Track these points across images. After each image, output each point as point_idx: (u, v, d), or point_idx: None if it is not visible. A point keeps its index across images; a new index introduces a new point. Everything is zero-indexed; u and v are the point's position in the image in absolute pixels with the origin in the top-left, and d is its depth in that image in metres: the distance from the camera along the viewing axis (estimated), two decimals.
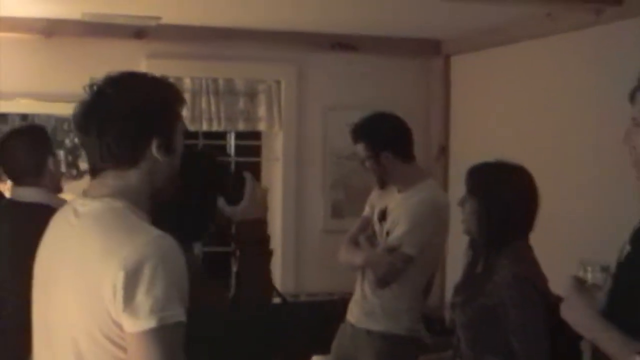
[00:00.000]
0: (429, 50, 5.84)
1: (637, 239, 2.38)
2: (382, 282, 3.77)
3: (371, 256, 3.84)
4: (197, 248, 2.69)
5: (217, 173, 2.38)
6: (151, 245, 1.86)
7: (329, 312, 4.38)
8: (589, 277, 2.47)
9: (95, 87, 2.02)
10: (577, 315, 2.41)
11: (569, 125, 4.64)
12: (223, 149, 5.96)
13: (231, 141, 5.93)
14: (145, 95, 2.03)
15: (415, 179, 3.87)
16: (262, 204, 2.49)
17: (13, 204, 3.55)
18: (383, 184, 3.95)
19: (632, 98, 2.34)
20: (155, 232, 1.90)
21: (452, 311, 3.20)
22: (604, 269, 2.46)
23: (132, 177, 2.01)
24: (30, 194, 3.43)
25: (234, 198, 2.40)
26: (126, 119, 1.98)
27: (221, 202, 2.41)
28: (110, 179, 2.01)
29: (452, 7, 4.52)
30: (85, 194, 2.05)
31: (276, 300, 4.91)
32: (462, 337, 3.12)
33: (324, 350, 4.16)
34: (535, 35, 4.89)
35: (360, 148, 3.87)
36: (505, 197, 3.06)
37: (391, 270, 3.73)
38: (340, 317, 4.09)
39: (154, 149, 2.01)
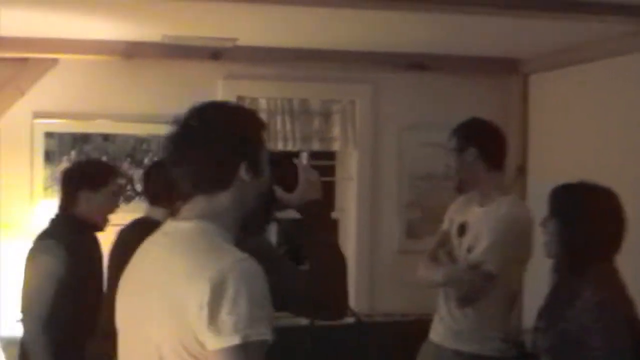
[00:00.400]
0: (506, 69, 5.78)
1: None
2: (464, 301, 3.69)
3: (452, 274, 3.75)
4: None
5: (277, 168, 2.40)
6: (236, 266, 1.90)
7: (404, 333, 4.34)
8: None
9: (181, 119, 2.10)
10: None
11: None
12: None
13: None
14: (230, 122, 2.11)
15: (496, 193, 3.77)
16: (317, 186, 2.50)
17: (147, 221, 3.75)
18: (461, 187, 3.87)
19: None
20: (240, 254, 1.95)
21: (535, 335, 3.13)
22: None
23: (222, 200, 2.08)
24: (165, 215, 3.52)
25: (290, 185, 2.42)
26: (215, 146, 2.06)
27: (278, 190, 2.42)
28: (201, 203, 2.08)
29: (530, 25, 4.47)
30: (175, 218, 2.13)
31: (350, 320, 4.93)
32: None
33: None
34: (615, 53, 4.80)
35: (452, 142, 3.81)
36: (588, 219, 3.00)
37: (473, 289, 3.64)
38: (417, 337, 4.02)
39: (242, 172, 2.07)
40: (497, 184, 3.82)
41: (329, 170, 5.93)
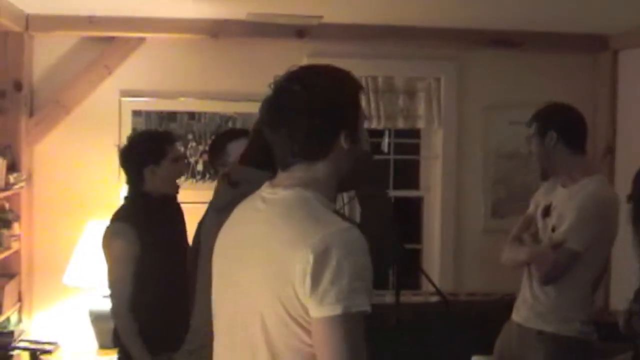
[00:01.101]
0: (596, 46, 5.65)
1: None
2: (547, 279, 3.65)
3: (535, 252, 3.72)
4: None
5: None
6: (339, 235, 1.91)
7: (488, 312, 4.31)
8: None
9: (280, 84, 2.07)
10: None
11: None
12: (378, 147, 5.96)
13: (386, 139, 5.92)
14: (331, 88, 2.06)
15: (582, 174, 3.70)
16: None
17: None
18: (545, 174, 3.81)
19: None
20: (343, 223, 1.96)
21: (631, 318, 3.07)
22: None
23: (321, 168, 2.07)
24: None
25: None
26: (317, 113, 2.03)
27: None
28: (300, 171, 2.07)
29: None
30: (273, 184, 2.12)
31: (436, 298, 4.91)
32: None
33: (484, 350, 4.09)
34: None
35: (532, 129, 3.75)
36: None
37: (556, 267, 3.60)
38: (500, 317, 3.99)
39: (342, 139, 2.06)
40: (582, 167, 3.75)
41: (414, 149, 5.89)
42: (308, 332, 1.92)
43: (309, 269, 1.87)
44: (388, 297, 5.11)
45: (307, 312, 1.90)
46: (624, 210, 3.41)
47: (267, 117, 2.09)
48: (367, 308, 1.89)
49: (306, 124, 2.03)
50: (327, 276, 1.86)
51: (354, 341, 1.88)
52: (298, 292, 1.89)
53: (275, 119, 2.07)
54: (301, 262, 1.88)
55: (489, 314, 4.18)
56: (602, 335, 3.94)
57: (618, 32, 5.50)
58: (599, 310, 4.92)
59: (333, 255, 1.87)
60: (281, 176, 2.11)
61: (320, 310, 1.87)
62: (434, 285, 4.61)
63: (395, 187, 5.81)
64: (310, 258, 1.87)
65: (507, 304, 4.00)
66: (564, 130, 3.69)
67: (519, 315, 3.84)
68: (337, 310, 1.86)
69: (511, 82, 5.67)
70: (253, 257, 2.03)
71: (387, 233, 2.50)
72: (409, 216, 5.85)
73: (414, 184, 5.86)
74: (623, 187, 3.64)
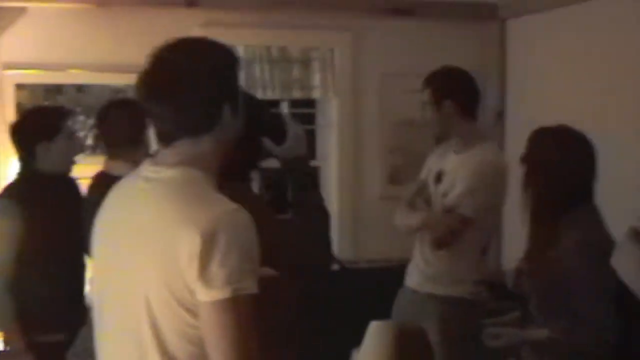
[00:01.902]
0: (484, 15, 5.75)
1: None
2: (439, 243, 3.75)
3: (428, 217, 3.83)
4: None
5: (254, 109, 2.38)
6: (227, 217, 1.87)
7: (387, 279, 4.35)
8: None
9: (159, 55, 1.99)
10: (627, 264, 2.38)
11: (632, 88, 4.53)
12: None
13: (284, 109, 5.90)
14: (212, 59, 2.01)
15: (474, 140, 3.83)
16: (303, 141, 2.51)
17: (106, 176, 3.59)
18: (440, 138, 3.92)
19: None
20: (231, 205, 1.91)
21: (520, 276, 3.16)
22: None
23: (206, 143, 2.00)
24: (124, 168, 3.30)
25: (279, 138, 2.43)
26: (201, 84, 1.96)
27: (267, 142, 2.44)
28: (185, 146, 1.99)
29: None
30: (156, 162, 2.03)
31: (335, 267, 4.93)
32: (531, 302, 3.08)
33: (383, 316, 4.12)
34: None
35: (425, 94, 3.85)
36: (564, 164, 3.02)
37: (448, 232, 3.70)
38: (400, 283, 4.06)
39: (226, 112, 2.00)
40: (474, 131, 3.87)
41: (310, 118, 5.89)
42: (194, 315, 1.87)
43: (196, 251, 1.82)
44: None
45: (193, 295, 1.85)
46: (515, 174, 3.49)
47: (147, 90, 1.99)
48: (255, 291, 1.86)
49: (191, 95, 1.95)
50: (215, 259, 1.82)
51: (243, 324, 1.85)
52: (184, 275, 1.84)
53: (158, 92, 1.97)
54: (188, 244, 1.83)
55: (389, 281, 4.22)
56: (495, 295, 4.04)
57: (506, 2, 5.60)
58: (493, 271, 5.03)
59: (221, 237, 1.83)
60: (164, 153, 2.02)
61: (209, 293, 1.83)
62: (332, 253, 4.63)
63: None
64: (198, 240, 1.82)
65: (406, 270, 4.05)
66: (460, 99, 3.81)
67: (412, 280, 3.94)
68: (225, 293, 1.82)
69: (405, 50, 5.71)
70: (138, 240, 1.95)
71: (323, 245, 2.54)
72: None
73: (312, 154, 5.86)
74: (513, 152, 3.72)
